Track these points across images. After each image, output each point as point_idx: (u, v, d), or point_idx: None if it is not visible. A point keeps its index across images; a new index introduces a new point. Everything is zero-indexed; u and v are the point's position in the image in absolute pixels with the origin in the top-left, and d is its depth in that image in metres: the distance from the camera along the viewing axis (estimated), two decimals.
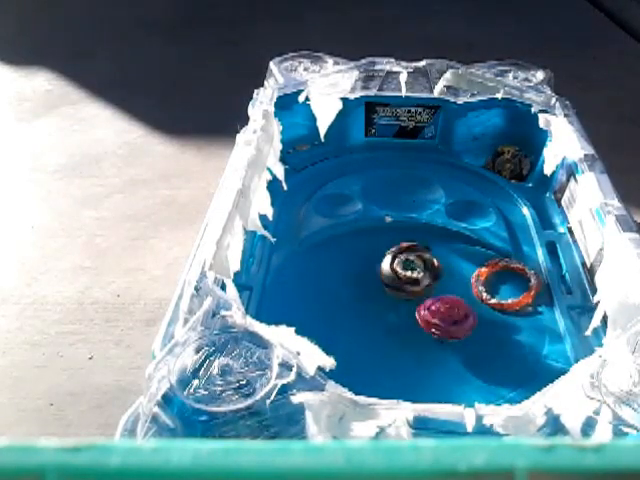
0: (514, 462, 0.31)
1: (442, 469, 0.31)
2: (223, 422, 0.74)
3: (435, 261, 1.17)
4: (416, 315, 1.09)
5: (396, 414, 0.75)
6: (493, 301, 1.15)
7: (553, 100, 1.48)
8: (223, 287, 0.98)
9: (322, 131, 1.55)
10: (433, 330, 1.07)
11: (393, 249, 1.19)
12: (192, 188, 1.94)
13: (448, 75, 1.56)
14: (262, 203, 1.27)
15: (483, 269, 1.21)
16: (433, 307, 1.09)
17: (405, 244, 1.20)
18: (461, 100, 1.56)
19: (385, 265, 1.17)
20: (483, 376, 1.02)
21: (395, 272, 1.16)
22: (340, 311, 1.14)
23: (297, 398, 0.76)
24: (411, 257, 1.17)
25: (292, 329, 0.84)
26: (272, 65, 1.61)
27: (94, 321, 1.47)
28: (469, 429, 0.74)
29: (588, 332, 1.04)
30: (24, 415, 1.26)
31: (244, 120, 1.41)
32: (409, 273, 1.15)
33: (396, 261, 1.17)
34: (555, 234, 1.32)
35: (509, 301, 1.15)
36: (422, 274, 1.15)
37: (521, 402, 0.78)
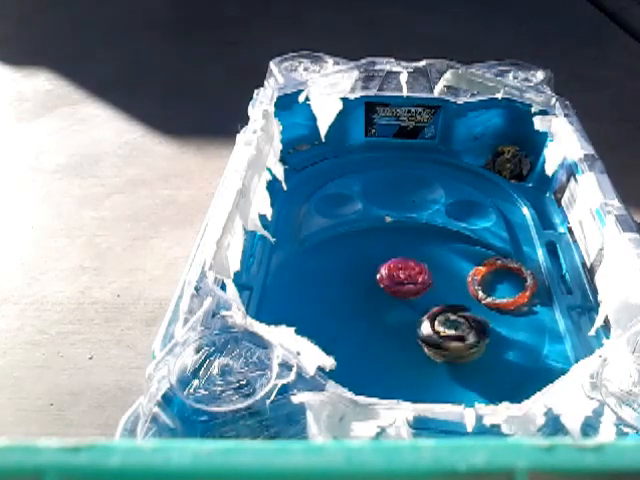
0: (514, 462, 0.31)
1: (442, 469, 0.31)
2: (223, 422, 0.74)
3: (480, 318, 1.07)
4: (377, 277, 1.17)
5: (396, 414, 0.75)
6: (488, 300, 1.15)
7: (553, 100, 1.48)
8: (223, 287, 0.98)
9: (322, 131, 1.55)
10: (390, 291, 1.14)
11: (429, 313, 1.09)
12: (192, 188, 1.94)
13: (448, 75, 1.56)
14: (262, 203, 1.27)
15: (480, 268, 1.21)
16: (389, 270, 1.16)
17: (439, 308, 1.10)
18: (461, 100, 1.56)
19: (425, 327, 1.07)
20: (483, 376, 1.02)
21: (436, 331, 1.05)
22: (340, 311, 1.14)
23: (297, 398, 0.76)
24: (452, 317, 1.07)
25: (292, 329, 0.84)
26: (272, 65, 1.61)
27: (94, 321, 1.47)
28: (469, 429, 0.74)
29: (592, 332, 1.04)
30: (24, 415, 1.26)
31: (244, 120, 1.41)
32: (452, 331, 1.04)
33: (436, 321, 1.07)
34: (555, 234, 1.32)
35: (504, 300, 1.14)
36: (466, 331, 1.04)
37: (521, 402, 0.78)
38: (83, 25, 3.10)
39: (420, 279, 1.17)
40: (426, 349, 1.04)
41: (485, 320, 1.07)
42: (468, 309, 1.09)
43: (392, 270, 1.18)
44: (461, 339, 1.03)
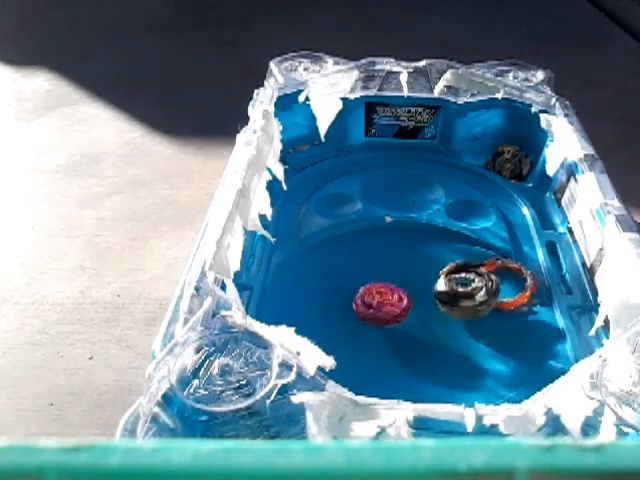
0: (514, 462, 0.31)
1: (442, 469, 0.31)
2: (223, 422, 0.74)
3: (493, 277, 1.12)
4: (353, 306, 1.12)
5: (396, 414, 0.75)
6: None
7: (553, 100, 1.48)
8: (223, 287, 0.98)
9: (322, 131, 1.55)
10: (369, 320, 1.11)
11: (445, 269, 1.15)
12: (192, 188, 1.94)
13: (448, 75, 1.56)
14: (262, 203, 1.27)
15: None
16: (366, 299, 1.11)
17: (459, 262, 1.16)
18: (461, 100, 1.56)
19: (440, 284, 1.12)
20: (483, 376, 1.02)
21: (451, 288, 1.11)
22: (340, 311, 1.14)
23: (297, 398, 0.76)
24: (468, 275, 1.13)
25: (292, 329, 0.84)
26: (272, 65, 1.61)
27: (94, 321, 1.47)
28: (469, 429, 0.74)
29: (592, 332, 1.04)
30: (24, 415, 1.26)
31: (244, 120, 1.41)
32: (464, 288, 1.10)
33: (452, 279, 1.12)
34: (555, 234, 1.32)
35: (504, 301, 1.14)
36: (477, 289, 1.10)
37: (521, 402, 0.78)
38: (83, 25, 3.10)
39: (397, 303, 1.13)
40: (440, 305, 1.10)
41: (496, 279, 1.12)
42: (481, 264, 1.16)
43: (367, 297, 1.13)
44: (471, 297, 1.09)
